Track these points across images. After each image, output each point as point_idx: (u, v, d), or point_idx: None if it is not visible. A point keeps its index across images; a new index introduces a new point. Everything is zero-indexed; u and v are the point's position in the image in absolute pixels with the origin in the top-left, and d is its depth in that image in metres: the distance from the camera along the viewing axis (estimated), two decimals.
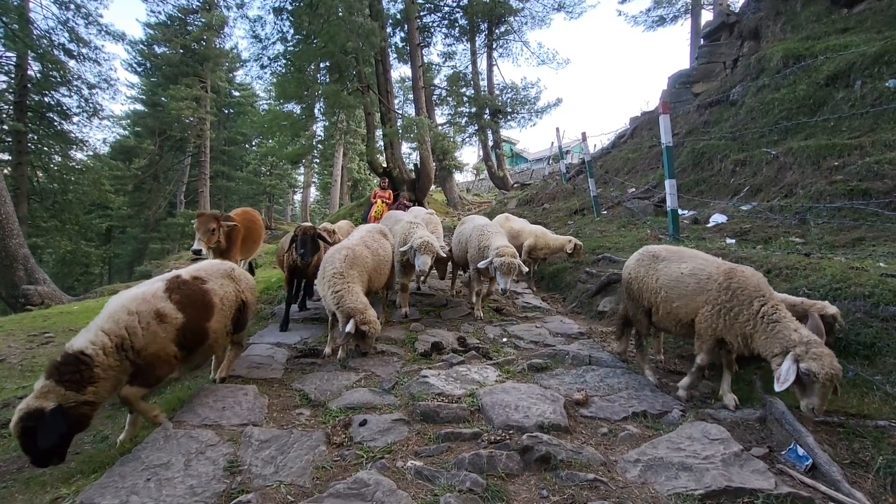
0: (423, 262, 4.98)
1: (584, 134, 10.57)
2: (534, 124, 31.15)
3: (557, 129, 13.31)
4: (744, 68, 11.44)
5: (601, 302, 5.80)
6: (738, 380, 3.53)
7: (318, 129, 25.35)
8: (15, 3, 16.97)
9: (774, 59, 10.21)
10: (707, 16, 19.94)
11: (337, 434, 2.76)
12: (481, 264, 4.88)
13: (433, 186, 22.93)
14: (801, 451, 2.54)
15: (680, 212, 8.06)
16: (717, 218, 7.84)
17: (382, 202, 12.56)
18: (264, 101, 31.76)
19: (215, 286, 3.43)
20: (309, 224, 4.99)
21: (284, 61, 20.40)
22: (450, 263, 6.52)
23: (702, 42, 14.82)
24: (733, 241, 6.64)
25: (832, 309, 3.28)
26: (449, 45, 25.93)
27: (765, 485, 2.24)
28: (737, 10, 14.08)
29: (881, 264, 4.84)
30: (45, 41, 18.55)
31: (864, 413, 2.73)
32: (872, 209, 6.16)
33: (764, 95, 9.78)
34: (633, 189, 10.78)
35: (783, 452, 2.60)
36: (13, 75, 18.80)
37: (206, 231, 5.22)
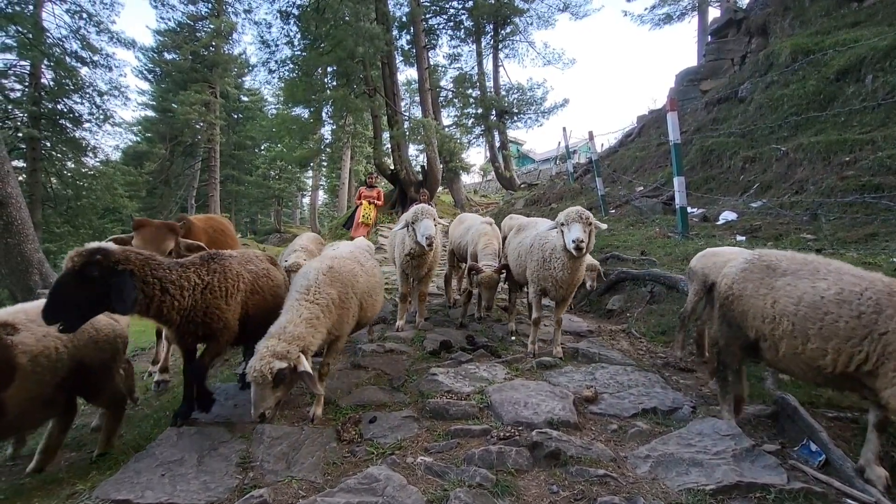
0: (427, 227, 4.15)
1: (590, 133, 10.55)
2: (540, 125, 31.04)
3: (564, 129, 13.29)
4: (752, 65, 11.35)
5: (610, 300, 5.78)
6: (748, 377, 3.51)
7: (326, 132, 25.55)
8: (29, 13, 17.34)
9: (783, 54, 10.11)
10: (714, 13, 19.80)
11: (347, 431, 2.79)
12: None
13: (440, 188, 22.96)
14: (813, 446, 2.51)
15: (689, 210, 8.01)
16: (727, 215, 7.78)
17: (370, 203, 10.27)
18: (272, 106, 32.11)
19: (28, 339, 2.52)
20: (94, 245, 2.50)
21: (292, 66, 20.62)
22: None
23: (709, 39, 14.73)
24: (743, 238, 6.58)
25: None
26: (454, 46, 26.06)
27: (777, 480, 2.23)
28: (744, 7, 13.97)
29: (895, 259, 4.77)
30: (57, 49, 18.93)
31: None
32: (885, 204, 6.08)
33: (773, 91, 9.69)
34: (642, 187, 10.72)
35: (795, 448, 2.58)
36: (27, 83, 19.18)
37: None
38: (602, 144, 20.27)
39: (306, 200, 45.17)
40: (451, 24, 24.93)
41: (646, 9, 22.19)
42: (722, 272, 2.90)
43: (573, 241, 3.38)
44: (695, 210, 8.44)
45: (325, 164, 34.46)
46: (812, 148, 7.72)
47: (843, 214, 6.34)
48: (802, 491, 2.14)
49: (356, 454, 2.58)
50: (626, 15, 23.46)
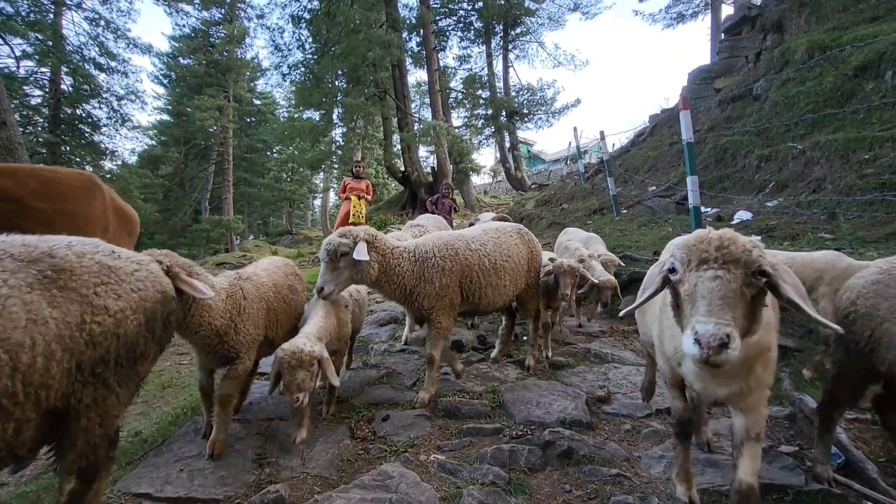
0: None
1: (602, 133, 10.48)
2: (550, 125, 31.00)
3: (575, 129, 13.21)
4: (767, 62, 11.18)
5: (622, 300, 5.72)
6: None
7: (337, 134, 25.77)
8: (49, 21, 17.79)
9: (799, 51, 9.95)
10: (727, 10, 19.53)
11: (360, 429, 2.81)
12: None
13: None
14: (833, 448, 2.47)
15: (703, 209, 7.90)
16: (742, 215, 7.67)
17: (359, 198, 8.77)
18: (284, 109, 32.46)
19: None
20: None
21: (304, 69, 20.87)
22: None
23: (722, 37, 14.54)
24: (759, 238, 6.49)
25: None
26: (464, 48, 26.12)
27: (795, 481, 2.20)
28: (758, 3, 13.77)
29: None
30: (76, 56, 19.42)
31: None
32: None
33: (788, 89, 9.53)
34: (654, 187, 10.61)
35: (814, 450, 2.54)
36: (47, 89, 19.67)
37: None
38: (613, 144, 20.13)
39: (318, 202, 45.57)
40: (461, 25, 24.99)
41: (659, 9, 22.04)
42: (845, 283, 2.32)
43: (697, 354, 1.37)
44: (709, 210, 8.33)
45: (336, 166, 34.73)
46: (829, 146, 7.58)
47: (863, 213, 6.21)
48: (821, 493, 2.11)
49: (369, 452, 2.60)
50: (637, 14, 23.25)
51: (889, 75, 7.91)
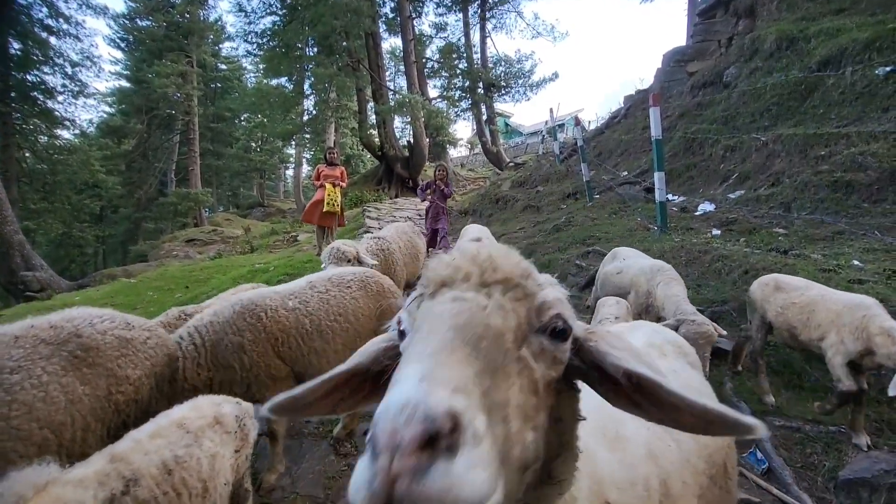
0: None
1: (577, 118, 10.60)
2: (528, 99, 30.72)
3: (551, 111, 13.29)
4: (738, 49, 11.38)
5: (590, 297, 6.03)
6: (709, 381, 3.82)
7: (309, 103, 24.95)
8: None
9: (768, 40, 10.17)
10: None
11: (343, 445, 3.03)
12: None
13: (427, 163, 22.83)
14: (759, 454, 2.84)
15: (670, 197, 8.25)
16: (705, 206, 8.03)
17: (333, 185, 8.73)
18: (252, 74, 30.99)
19: None
20: None
21: (271, 36, 19.97)
22: None
23: (697, 20, 14.61)
24: (719, 232, 6.85)
25: None
26: (440, 15, 25.35)
27: None
28: None
29: (856, 262, 5.09)
30: (23, 17, 17.96)
31: (819, 419, 3.02)
32: (854, 202, 6.39)
33: (756, 79, 9.81)
34: (626, 172, 10.90)
35: (744, 455, 2.90)
36: None
37: None
38: (589, 122, 20.26)
39: (290, 173, 44.43)
40: None
41: None
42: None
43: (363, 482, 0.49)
44: (676, 198, 8.68)
45: (308, 136, 33.81)
46: (790, 140, 7.93)
47: (815, 210, 6.63)
48: (742, 501, 2.45)
49: (352, 468, 2.83)
50: None
51: (849, 71, 8.24)
